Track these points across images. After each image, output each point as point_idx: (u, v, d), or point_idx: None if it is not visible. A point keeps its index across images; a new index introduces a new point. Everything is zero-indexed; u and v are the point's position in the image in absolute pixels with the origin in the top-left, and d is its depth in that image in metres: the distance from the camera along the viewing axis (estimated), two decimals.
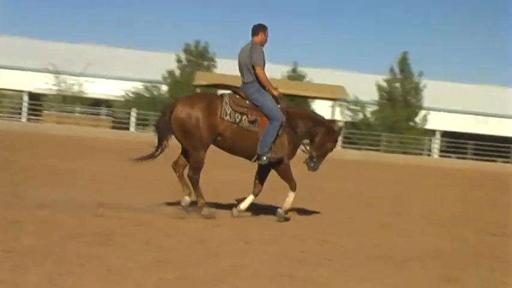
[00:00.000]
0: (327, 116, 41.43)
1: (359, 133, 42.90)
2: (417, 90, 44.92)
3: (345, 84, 40.17)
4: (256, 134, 8.90)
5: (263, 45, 9.13)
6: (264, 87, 9.02)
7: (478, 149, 45.31)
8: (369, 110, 44.52)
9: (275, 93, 9.04)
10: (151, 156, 9.08)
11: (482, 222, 11.10)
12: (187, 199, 8.96)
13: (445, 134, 47.79)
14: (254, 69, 8.90)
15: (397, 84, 44.43)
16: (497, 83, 60.18)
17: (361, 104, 44.20)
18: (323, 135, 9.45)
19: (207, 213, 8.86)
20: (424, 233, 9.41)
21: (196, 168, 8.83)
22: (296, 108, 9.79)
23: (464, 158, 44.12)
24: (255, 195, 9.32)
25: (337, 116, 40.33)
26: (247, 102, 8.91)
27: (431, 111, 45.38)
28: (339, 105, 42.55)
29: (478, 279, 6.49)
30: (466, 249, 8.23)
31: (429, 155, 46.25)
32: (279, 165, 9.16)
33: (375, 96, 44.58)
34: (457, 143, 44.96)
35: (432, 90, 46.05)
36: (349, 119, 44.42)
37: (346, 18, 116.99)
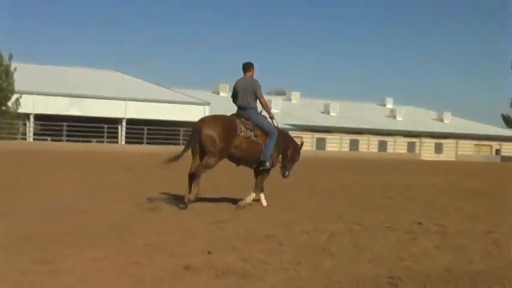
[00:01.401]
0: None
1: None
2: (8, 73, 43.72)
3: None
4: (260, 145, 11.45)
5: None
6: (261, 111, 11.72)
7: (71, 130, 45.83)
8: None
9: (271, 115, 11.83)
10: (177, 158, 10.99)
11: None
12: (189, 198, 10.78)
13: (39, 117, 47.22)
14: (259, 98, 11.54)
15: None
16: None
17: None
18: (293, 149, 12.29)
19: (186, 203, 10.72)
20: None
21: (206, 167, 10.99)
22: (277, 128, 11.94)
23: (59, 140, 44.34)
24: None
25: None
26: (250, 122, 11.40)
27: (23, 95, 44.52)
28: None
29: None
30: None
31: (24, 138, 45.43)
32: (265, 170, 11.67)
33: None
34: (51, 125, 44.89)
35: (24, 73, 45.23)
36: None
37: None
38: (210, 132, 10.89)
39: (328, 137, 60.42)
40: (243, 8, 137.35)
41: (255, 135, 11.40)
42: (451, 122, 74.05)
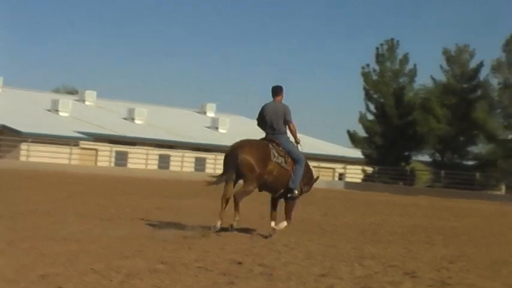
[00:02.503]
0: None
1: None
2: None
3: None
4: (288, 172, 13.98)
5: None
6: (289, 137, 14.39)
7: None
8: None
9: (298, 140, 14.46)
10: (216, 182, 13.89)
11: None
12: (219, 224, 13.33)
13: None
14: (289, 124, 14.15)
15: None
16: None
17: None
18: (307, 179, 14.83)
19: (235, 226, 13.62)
20: None
21: (245, 194, 13.81)
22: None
23: None
24: (274, 220, 14.36)
25: None
26: (281, 148, 13.91)
27: None
28: None
29: None
30: None
31: None
32: (292, 199, 14.40)
33: None
34: None
35: None
36: None
37: None
38: (247, 157, 13.36)
39: (131, 150, 60.27)
40: None
41: (285, 162, 13.89)
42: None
